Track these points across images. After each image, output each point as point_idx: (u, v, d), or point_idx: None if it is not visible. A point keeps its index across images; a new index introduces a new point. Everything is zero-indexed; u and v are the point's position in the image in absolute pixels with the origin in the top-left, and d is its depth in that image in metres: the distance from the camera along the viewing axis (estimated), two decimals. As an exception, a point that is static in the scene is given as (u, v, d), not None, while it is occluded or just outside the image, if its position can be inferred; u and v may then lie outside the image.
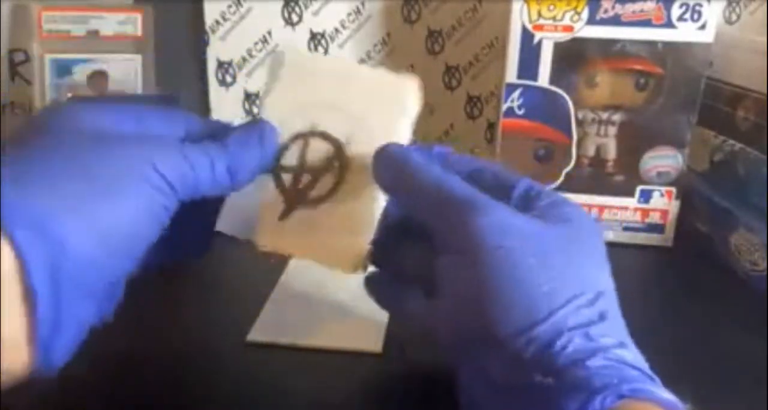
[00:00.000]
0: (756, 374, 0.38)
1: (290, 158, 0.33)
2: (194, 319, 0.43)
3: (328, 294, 0.45)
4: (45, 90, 0.58)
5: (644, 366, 0.27)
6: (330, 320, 0.42)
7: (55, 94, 0.58)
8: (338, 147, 0.33)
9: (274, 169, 0.33)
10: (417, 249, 0.33)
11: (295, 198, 0.33)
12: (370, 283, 0.36)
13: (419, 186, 0.30)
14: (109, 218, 0.25)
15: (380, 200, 0.33)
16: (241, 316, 0.42)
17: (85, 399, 0.34)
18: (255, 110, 0.68)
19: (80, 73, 0.59)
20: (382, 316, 0.42)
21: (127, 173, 0.27)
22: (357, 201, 0.33)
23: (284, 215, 0.33)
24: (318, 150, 0.33)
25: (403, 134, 0.33)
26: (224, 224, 0.34)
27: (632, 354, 0.27)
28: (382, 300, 0.36)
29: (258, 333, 0.40)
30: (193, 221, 0.31)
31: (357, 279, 0.47)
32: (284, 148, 0.33)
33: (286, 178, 0.33)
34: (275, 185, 0.33)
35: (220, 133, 0.32)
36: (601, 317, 0.27)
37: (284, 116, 0.33)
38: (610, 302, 0.28)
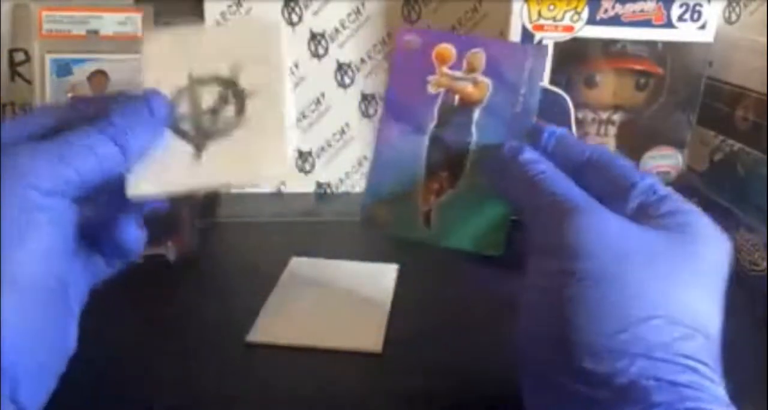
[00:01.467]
0: (756, 373, 0.38)
1: (183, 108, 0.32)
2: (194, 319, 0.43)
3: (328, 294, 0.45)
4: (45, 90, 0.58)
5: (722, 396, 0.25)
6: (330, 320, 0.42)
7: (55, 94, 0.58)
8: (227, 81, 0.32)
9: (171, 124, 0.32)
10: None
11: (202, 136, 0.32)
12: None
13: (521, 184, 0.30)
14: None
15: (290, 106, 0.32)
16: (241, 316, 0.42)
17: (85, 399, 0.34)
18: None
19: (80, 73, 0.59)
20: (382, 316, 0.42)
21: None
22: (268, 114, 0.32)
23: (198, 153, 0.32)
24: (208, 93, 0.32)
25: (283, 57, 0.32)
26: (132, 187, 0.31)
27: (707, 383, 0.25)
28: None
29: (258, 333, 0.40)
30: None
31: (357, 279, 0.47)
32: (174, 102, 0.32)
33: (186, 127, 0.32)
34: (178, 135, 0.32)
35: (101, 110, 0.31)
36: (681, 341, 0.25)
37: (165, 77, 0.32)
38: (699, 328, 0.26)
